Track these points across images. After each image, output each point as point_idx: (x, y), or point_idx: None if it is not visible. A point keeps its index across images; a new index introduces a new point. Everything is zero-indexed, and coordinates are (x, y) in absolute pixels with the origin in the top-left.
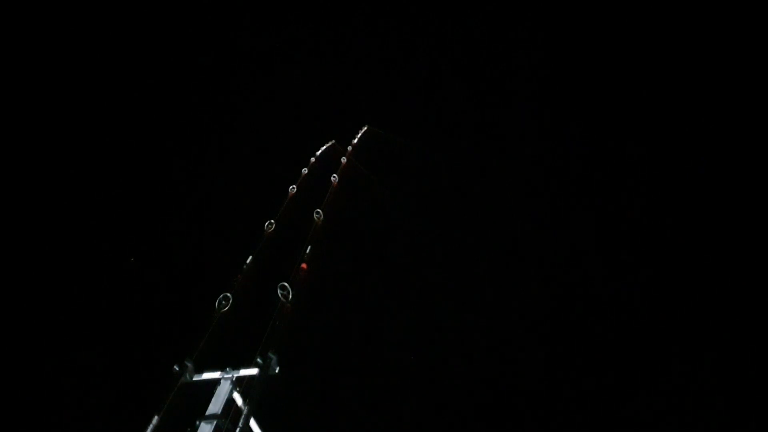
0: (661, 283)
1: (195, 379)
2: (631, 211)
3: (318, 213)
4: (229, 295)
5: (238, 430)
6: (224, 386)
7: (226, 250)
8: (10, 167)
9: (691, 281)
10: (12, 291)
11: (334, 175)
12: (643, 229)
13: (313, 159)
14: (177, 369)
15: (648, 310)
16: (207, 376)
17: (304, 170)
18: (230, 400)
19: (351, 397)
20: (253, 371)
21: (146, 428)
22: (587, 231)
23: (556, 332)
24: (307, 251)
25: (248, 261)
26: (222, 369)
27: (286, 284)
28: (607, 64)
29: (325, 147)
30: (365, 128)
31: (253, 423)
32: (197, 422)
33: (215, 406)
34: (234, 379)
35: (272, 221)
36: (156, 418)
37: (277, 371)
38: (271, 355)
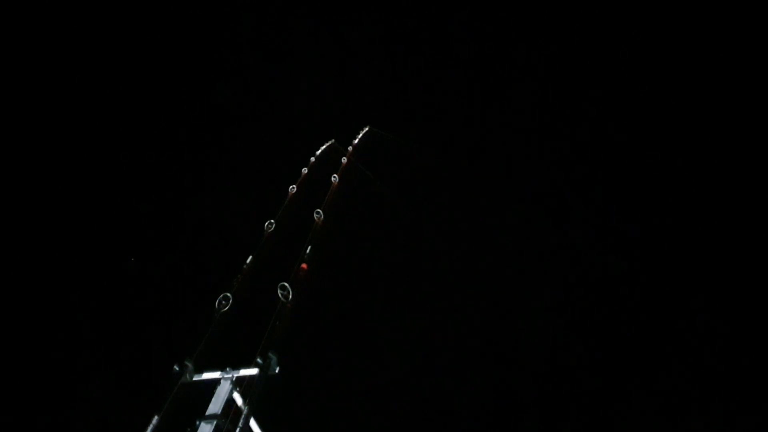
0: (661, 283)
1: (195, 379)
2: (633, 211)
3: (318, 213)
4: (229, 295)
5: (238, 430)
6: (224, 386)
7: (226, 250)
8: (10, 168)
9: (690, 282)
10: (13, 291)
11: (335, 175)
12: (643, 229)
13: (313, 159)
14: (177, 369)
15: (647, 310)
16: (207, 376)
17: (304, 170)
18: (230, 400)
19: (350, 397)
20: (253, 371)
21: (146, 428)
22: (588, 231)
23: (556, 332)
24: (307, 251)
25: (248, 261)
26: (222, 369)
27: (286, 284)
28: (607, 64)
29: (324, 147)
30: (366, 128)
31: (253, 423)
32: (197, 422)
33: (215, 406)
34: (234, 379)
35: (272, 221)
36: (156, 418)
37: (277, 371)
38: (271, 355)
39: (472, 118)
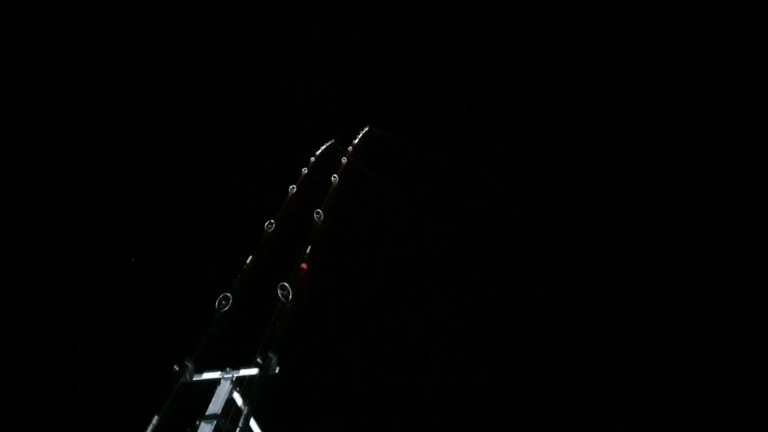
0: (660, 283)
1: (195, 379)
2: (632, 211)
3: (318, 213)
4: (229, 295)
5: (238, 430)
6: (224, 386)
7: (226, 250)
8: (11, 168)
9: (689, 282)
10: (14, 291)
11: (335, 175)
12: (643, 229)
13: (313, 159)
14: (177, 369)
15: (647, 309)
16: (207, 376)
17: (304, 170)
18: (230, 400)
19: (350, 397)
20: (253, 371)
21: (146, 428)
22: (587, 231)
23: (557, 331)
24: (307, 251)
25: (248, 261)
26: (222, 369)
27: (286, 284)
28: (608, 64)
29: (324, 147)
30: (366, 128)
31: (253, 423)
32: (197, 422)
33: (215, 406)
34: (234, 379)
35: (272, 221)
36: (156, 418)
37: (277, 371)
38: (271, 355)
39: (471, 117)
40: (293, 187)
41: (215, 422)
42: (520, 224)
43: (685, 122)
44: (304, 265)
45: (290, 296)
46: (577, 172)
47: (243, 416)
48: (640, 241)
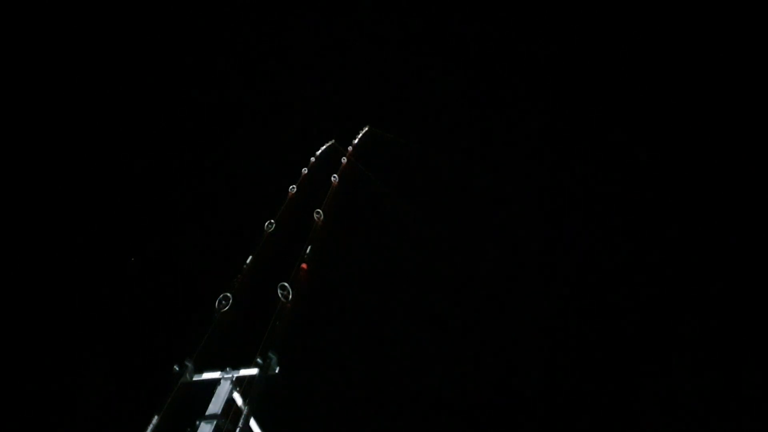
0: (661, 284)
1: (195, 379)
2: (633, 210)
3: (318, 213)
4: (229, 295)
5: (238, 430)
6: (224, 386)
7: (226, 250)
8: (11, 168)
9: (691, 283)
10: (13, 291)
11: (334, 175)
12: (645, 230)
13: (313, 159)
14: (177, 369)
15: (648, 311)
16: (207, 376)
17: (304, 170)
18: (230, 400)
19: (351, 397)
20: (253, 371)
21: (146, 428)
22: (588, 231)
23: (558, 333)
24: (307, 251)
25: (248, 261)
26: (222, 369)
27: (286, 284)
28: (609, 65)
29: (325, 147)
30: (366, 129)
31: (253, 423)
32: (197, 422)
33: (215, 406)
34: (234, 379)
35: (272, 221)
36: (156, 418)
37: (277, 371)
38: (271, 355)
39: (471, 117)
40: (293, 187)
41: (215, 422)
42: (520, 224)
43: (686, 122)
44: (304, 265)
45: (290, 296)
46: (578, 172)
47: (243, 416)
48: (642, 241)
